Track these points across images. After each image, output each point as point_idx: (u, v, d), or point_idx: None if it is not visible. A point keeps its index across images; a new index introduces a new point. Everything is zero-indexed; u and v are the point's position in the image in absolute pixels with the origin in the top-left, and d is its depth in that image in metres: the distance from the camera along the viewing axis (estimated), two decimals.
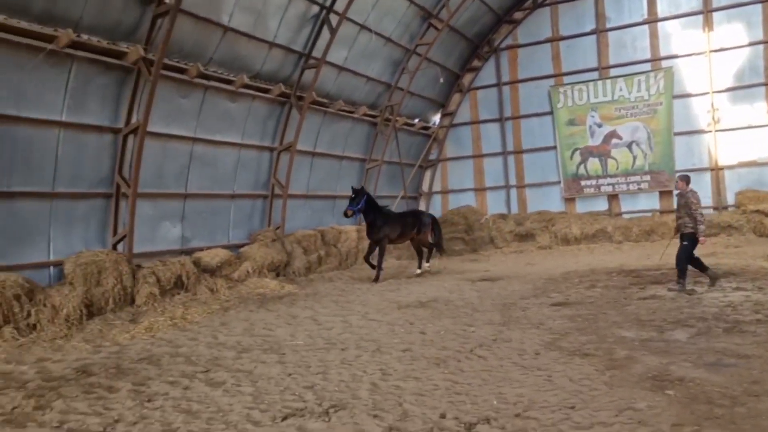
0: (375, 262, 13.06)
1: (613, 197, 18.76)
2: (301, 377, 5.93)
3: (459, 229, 19.32)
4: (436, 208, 21.09)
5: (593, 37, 18.78)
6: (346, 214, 12.75)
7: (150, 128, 10.18)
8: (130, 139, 10.23)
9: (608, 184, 18.66)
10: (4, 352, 7.29)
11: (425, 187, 21.21)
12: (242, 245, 13.19)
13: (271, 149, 13.89)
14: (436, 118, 20.70)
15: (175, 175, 11.58)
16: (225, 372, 6.28)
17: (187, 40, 10.62)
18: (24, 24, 8.15)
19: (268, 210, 14.02)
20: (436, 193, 21.32)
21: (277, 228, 13.97)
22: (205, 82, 11.44)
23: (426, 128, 20.15)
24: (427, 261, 14.21)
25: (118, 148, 10.21)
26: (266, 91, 12.91)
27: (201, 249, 11.97)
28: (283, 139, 13.88)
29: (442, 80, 18.68)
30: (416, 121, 19.39)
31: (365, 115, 16.61)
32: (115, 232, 10.32)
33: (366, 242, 14.07)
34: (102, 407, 5.30)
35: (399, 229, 13.46)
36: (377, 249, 13.23)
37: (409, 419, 4.54)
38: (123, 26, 9.57)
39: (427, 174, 21.21)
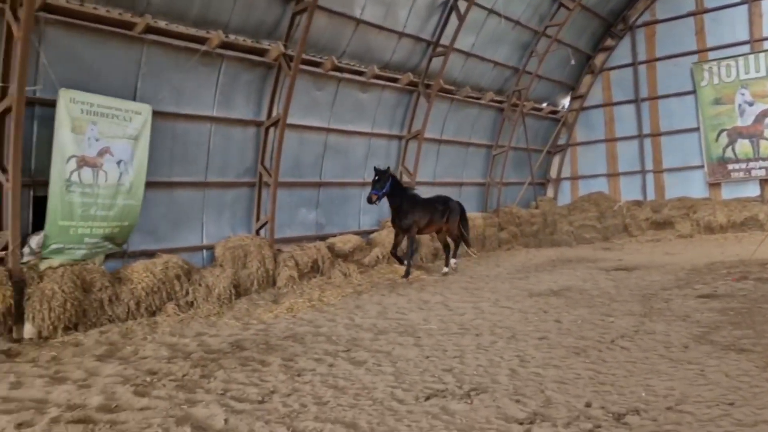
0: (403, 257, 11.84)
1: (766, 182, 17.12)
2: (439, 360, 6.07)
3: (590, 217, 18.64)
4: (564, 194, 20.43)
5: (744, 7, 17.15)
6: (370, 200, 11.20)
7: (288, 120, 10.79)
8: (271, 131, 10.91)
9: (761, 168, 17.04)
10: (169, 326, 8.11)
11: (553, 174, 20.59)
12: (372, 231, 13.62)
13: (399, 137, 14.16)
14: (566, 102, 19.97)
15: (311, 164, 12.18)
16: (365, 352, 6.57)
17: (323, 34, 11.09)
18: (182, 28, 8.93)
19: None
20: (565, 179, 20.61)
21: None
22: (338, 74, 11.90)
23: (554, 112, 19.53)
24: (454, 256, 12.65)
25: (261, 140, 10.93)
26: (395, 80, 13.17)
27: (334, 235, 12.51)
28: (411, 127, 14.10)
29: (573, 62, 17.97)
30: (544, 105, 18.85)
31: (492, 101, 16.42)
32: (257, 219, 11.07)
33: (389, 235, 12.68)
34: (258, 379, 5.75)
35: (428, 216, 11.94)
36: (405, 240, 11.85)
37: (552, 406, 4.53)
38: (265, 25, 10.18)
39: (556, 159, 20.56)
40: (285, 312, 8.93)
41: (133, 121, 8.43)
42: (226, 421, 4.62)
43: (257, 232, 11.00)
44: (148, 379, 5.84)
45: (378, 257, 12.73)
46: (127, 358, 6.69)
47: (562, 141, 20.44)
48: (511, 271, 12.50)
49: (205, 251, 10.37)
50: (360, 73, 12.28)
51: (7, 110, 7.32)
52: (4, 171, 7.47)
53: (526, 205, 19.05)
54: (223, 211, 10.71)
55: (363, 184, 13.55)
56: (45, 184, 7.83)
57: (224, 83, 10.07)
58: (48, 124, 7.81)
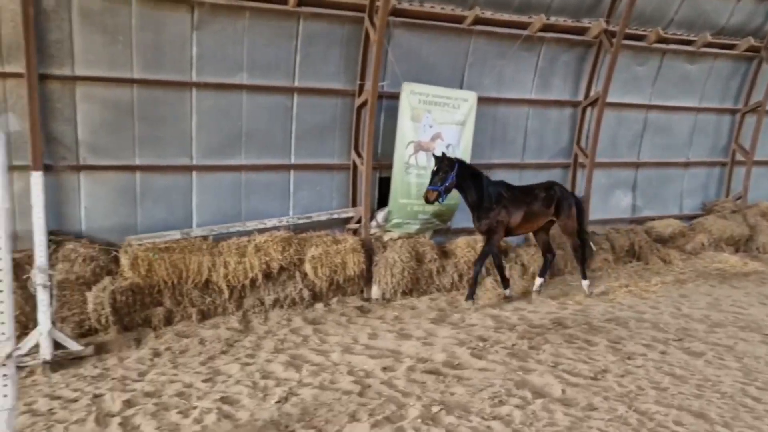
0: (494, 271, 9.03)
1: None
2: None
3: None
4: None
5: None
6: (427, 200, 8.05)
7: (607, 99, 10.44)
8: (588, 111, 10.71)
9: None
10: (488, 300, 8.67)
11: None
12: (694, 216, 12.45)
13: (732, 111, 12.56)
14: None
15: (628, 143, 11.60)
16: (701, 344, 6.16)
17: (647, 4, 10.38)
18: (506, 16, 9.31)
19: (727, 178, 12.80)
20: None
21: (738, 198, 12.65)
22: (663, 46, 11.04)
23: None
24: (584, 277, 9.01)
25: (577, 120, 10.82)
26: (731, 47, 11.67)
27: (651, 218, 11.80)
28: (749, 99, 12.38)
29: None
30: None
31: None
32: None
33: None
34: (586, 357, 5.85)
35: (522, 207, 8.58)
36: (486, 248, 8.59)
37: None
38: (585, 3, 9.96)
39: None
40: (600, 295, 8.81)
41: (460, 108, 9.13)
42: (563, 391, 4.84)
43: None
44: (480, 344, 6.39)
45: (703, 244, 11.61)
46: (456, 323, 7.40)
47: None
48: None
49: None
50: (688, 43, 11.19)
51: (364, 104, 8.63)
52: (359, 155, 8.84)
53: None
54: None
55: (686, 164, 12.42)
56: (388, 166, 9.01)
57: (543, 66, 10.19)
58: (391, 114, 8.96)
